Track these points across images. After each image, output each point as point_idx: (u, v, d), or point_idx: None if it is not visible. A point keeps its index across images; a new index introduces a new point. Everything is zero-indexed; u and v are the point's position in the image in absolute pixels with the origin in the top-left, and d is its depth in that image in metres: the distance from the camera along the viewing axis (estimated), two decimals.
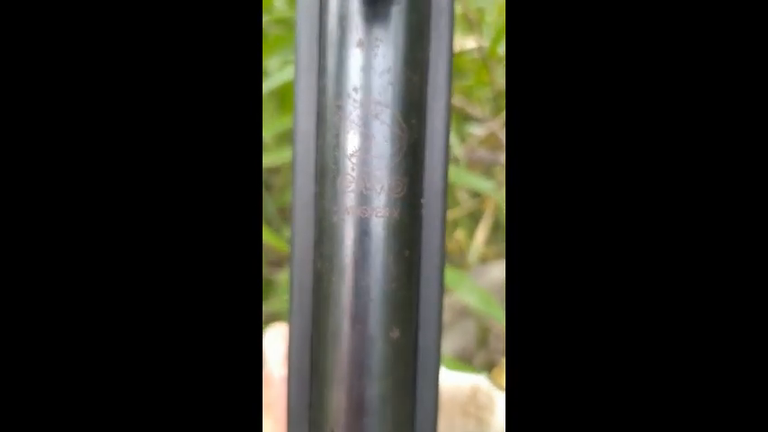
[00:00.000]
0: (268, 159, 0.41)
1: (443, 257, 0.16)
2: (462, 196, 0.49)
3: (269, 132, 0.41)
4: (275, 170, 0.47)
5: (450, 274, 0.38)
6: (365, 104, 0.15)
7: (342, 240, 0.15)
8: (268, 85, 0.39)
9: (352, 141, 0.15)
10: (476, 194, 0.49)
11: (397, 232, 0.15)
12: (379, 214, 0.15)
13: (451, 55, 0.16)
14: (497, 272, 0.40)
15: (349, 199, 0.15)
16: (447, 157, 0.16)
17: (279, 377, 0.18)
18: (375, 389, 0.14)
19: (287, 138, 0.44)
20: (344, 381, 0.14)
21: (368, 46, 0.15)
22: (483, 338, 0.45)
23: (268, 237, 0.36)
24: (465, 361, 0.41)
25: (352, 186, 0.15)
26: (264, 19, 0.42)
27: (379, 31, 0.15)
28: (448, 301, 0.41)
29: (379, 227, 0.15)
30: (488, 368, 0.47)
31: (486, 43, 0.40)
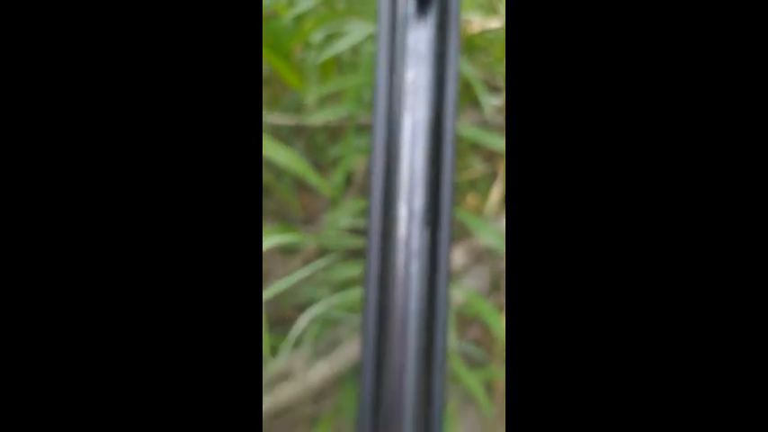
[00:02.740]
0: (311, 119, 0.47)
1: (456, 100, 0.24)
2: (475, 160, 0.55)
3: (313, 97, 0.47)
4: (318, 129, 0.53)
5: (472, 220, 0.43)
6: (417, 56, 0.24)
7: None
8: (320, 57, 0.45)
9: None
10: (488, 158, 0.55)
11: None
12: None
13: (458, 23, 0.25)
14: None
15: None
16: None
17: None
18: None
19: (326, 101, 0.50)
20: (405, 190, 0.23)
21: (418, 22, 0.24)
22: (496, 282, 0.51)
23: (314, 179, 0.42)
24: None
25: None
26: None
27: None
28: (466, 246, 0.47)
29: None
30: (500, 309, 0.53)
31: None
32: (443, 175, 0.24)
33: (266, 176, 0.57)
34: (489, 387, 0.52)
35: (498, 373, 0.50)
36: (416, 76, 0.24)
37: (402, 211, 0.23)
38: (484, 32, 0.49)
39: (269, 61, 0.48)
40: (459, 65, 0.25)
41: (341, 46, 0.39)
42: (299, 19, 0.51)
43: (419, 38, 0.24)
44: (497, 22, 0.47)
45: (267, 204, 0.62)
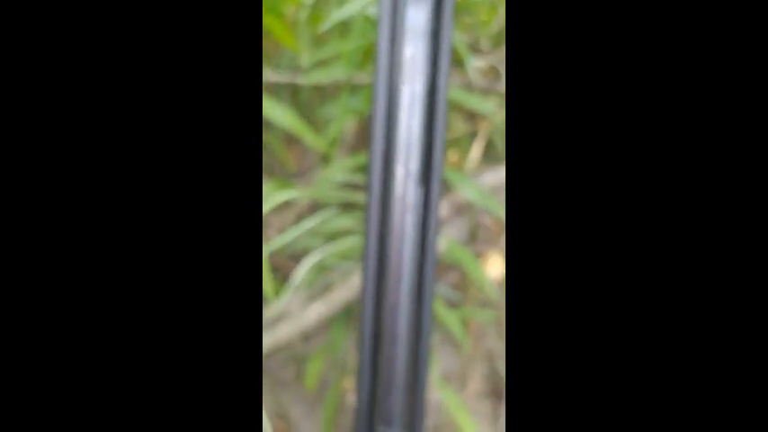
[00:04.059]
0: (307, 78, 0.50)
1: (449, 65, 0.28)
2: (457, 120, 0.59)
3: (309, 61, 0.50)
4: (315, 87, 0.56)
5: (453, 175, 0.47)
6: (415, 33, 0.27)
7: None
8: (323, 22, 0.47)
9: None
10: (470, 118, 0.58)
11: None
12: None
13: (453, 1, 0.28)
14: (489, 178, 0.50)
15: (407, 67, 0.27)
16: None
17: None
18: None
19: (321, 64, 0.53)
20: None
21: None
22: (474, 233, 0.56)
23: (310, 137, 0.45)
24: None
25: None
26: None
27: None
28: (448, 199, 0.52)
29: None
30: (477, 257, 0.57)
31: None
32: (436, 141, 0.28)
33: None
34: (464, 326, 0.57)
35: (473, 313, 0.55)
36: (415, 52, 0.27)
37: (399, 172, 0.27)
38: None
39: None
40: (452, 40, 0.28)
41: (346, 12, 0.41)
42: None
43: (418, 16, 0.27)
44: None
45: None
